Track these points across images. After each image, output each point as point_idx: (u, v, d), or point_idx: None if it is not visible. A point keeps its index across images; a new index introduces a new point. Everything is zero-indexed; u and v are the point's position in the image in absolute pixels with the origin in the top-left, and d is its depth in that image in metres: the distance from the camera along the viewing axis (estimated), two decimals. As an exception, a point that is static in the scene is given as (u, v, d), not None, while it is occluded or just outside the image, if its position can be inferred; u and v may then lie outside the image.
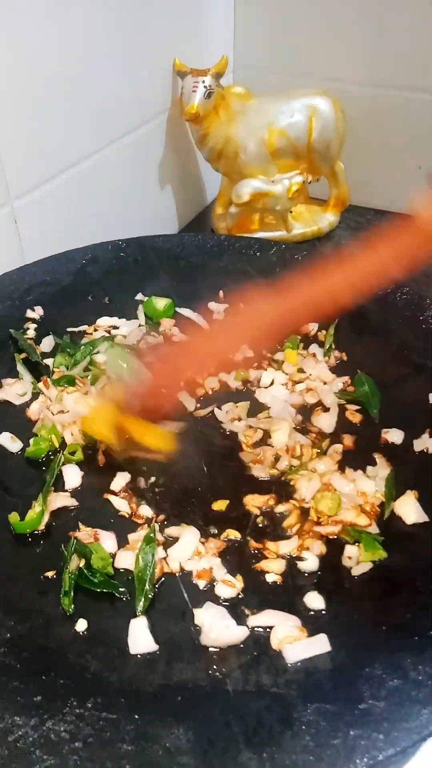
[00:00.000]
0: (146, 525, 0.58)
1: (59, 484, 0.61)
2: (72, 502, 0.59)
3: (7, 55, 0.68)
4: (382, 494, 0.60)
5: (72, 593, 0.52)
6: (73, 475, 0.62)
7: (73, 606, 0.51)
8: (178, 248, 0.84)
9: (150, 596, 0.52)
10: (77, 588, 0.53)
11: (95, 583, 0.53)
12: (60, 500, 0.59)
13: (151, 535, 0.56)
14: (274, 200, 0.98)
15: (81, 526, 0.57)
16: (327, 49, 1.05)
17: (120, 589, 0.53)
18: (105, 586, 0.53)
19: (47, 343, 0.75)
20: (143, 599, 0.52)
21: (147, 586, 0.52)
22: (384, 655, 0.45)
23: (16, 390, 0.70)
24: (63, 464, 0.63)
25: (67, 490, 0.61)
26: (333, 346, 0.76)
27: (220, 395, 0.71)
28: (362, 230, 1.09)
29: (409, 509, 0.58)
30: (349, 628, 0.50)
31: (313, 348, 0.76)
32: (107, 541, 0.56)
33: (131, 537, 0.57)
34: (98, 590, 0.52)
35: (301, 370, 0.74)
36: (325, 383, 0.72)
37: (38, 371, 0.72)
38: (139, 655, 0.48)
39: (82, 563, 0.54)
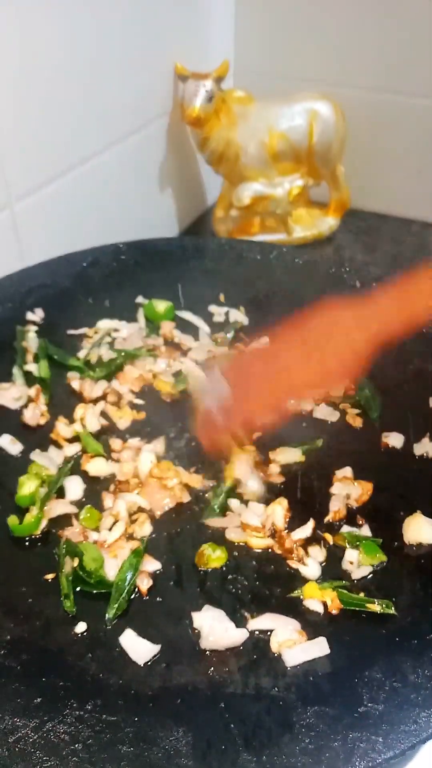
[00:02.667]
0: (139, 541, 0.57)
1: (60, 494, 0.61)
2: (72, 509, 0.59)
3: (9, 57, 0.68)
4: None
5: (72, 595, 0.52)
6: (75, 487, 0.61)
7: (75, 608, 0.51)
8: (179, 251, 0.84)
9: (123, 607, 0.51)
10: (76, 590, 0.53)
11: (92, 585, 0.53)
12: (60, 507, 0.59)
13: (141, 549, 0.55)
14: (275, 203, 0.98)
15: (74, 521, 0.57)
16: (328, 53, 1.05)
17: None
18: (102, 587, 0.53)
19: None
20: (116, 608, 0.51)
21: (124, 596, 0.52)
22: (383, 659, 0.46)
23: (11, 394, 0.69)
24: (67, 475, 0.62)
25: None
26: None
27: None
28: (363, 234, 1.10)
29: (419, 529, 0.56)
30: (348, 631, 0.50)
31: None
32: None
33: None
34: (95, 591, 0.52)
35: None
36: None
37: (31, 376, 0.72)
38: (139, 658, 0.49)
39: (75, 563, 0.54)
